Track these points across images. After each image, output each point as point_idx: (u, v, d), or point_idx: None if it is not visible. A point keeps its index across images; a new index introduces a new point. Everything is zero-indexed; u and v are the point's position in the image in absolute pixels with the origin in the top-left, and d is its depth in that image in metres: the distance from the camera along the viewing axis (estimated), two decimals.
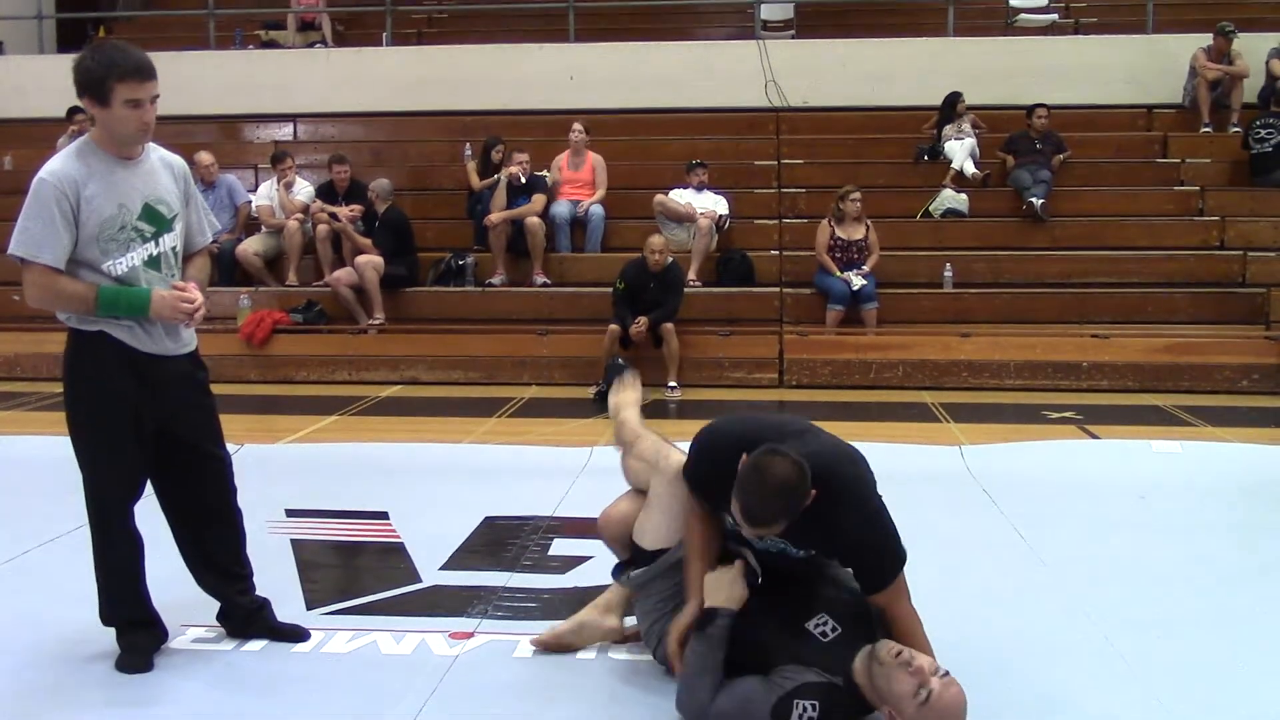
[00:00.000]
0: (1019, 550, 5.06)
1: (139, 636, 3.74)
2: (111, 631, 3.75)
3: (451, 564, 4.86)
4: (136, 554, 3.73)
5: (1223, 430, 7.45)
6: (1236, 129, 11.63)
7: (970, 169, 11.30)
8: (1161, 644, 3.92)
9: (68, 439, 3.64)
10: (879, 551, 3.30)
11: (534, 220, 10.28)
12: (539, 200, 10.40)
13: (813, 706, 3.05)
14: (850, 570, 3.39)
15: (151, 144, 3.68)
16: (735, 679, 3.21)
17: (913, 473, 6.34)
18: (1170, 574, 4.75)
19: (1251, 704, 3.47)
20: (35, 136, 12.26)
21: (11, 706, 3.41)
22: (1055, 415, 8.09)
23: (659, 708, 3.38)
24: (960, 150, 11.34)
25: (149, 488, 3.76)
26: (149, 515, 3.79)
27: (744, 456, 3.18)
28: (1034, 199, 10.66)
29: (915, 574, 3.95)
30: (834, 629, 3.24)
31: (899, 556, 3.32)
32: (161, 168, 3.68)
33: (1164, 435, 7.19)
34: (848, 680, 3.12)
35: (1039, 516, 5.54)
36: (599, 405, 8.61)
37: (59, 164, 3.51)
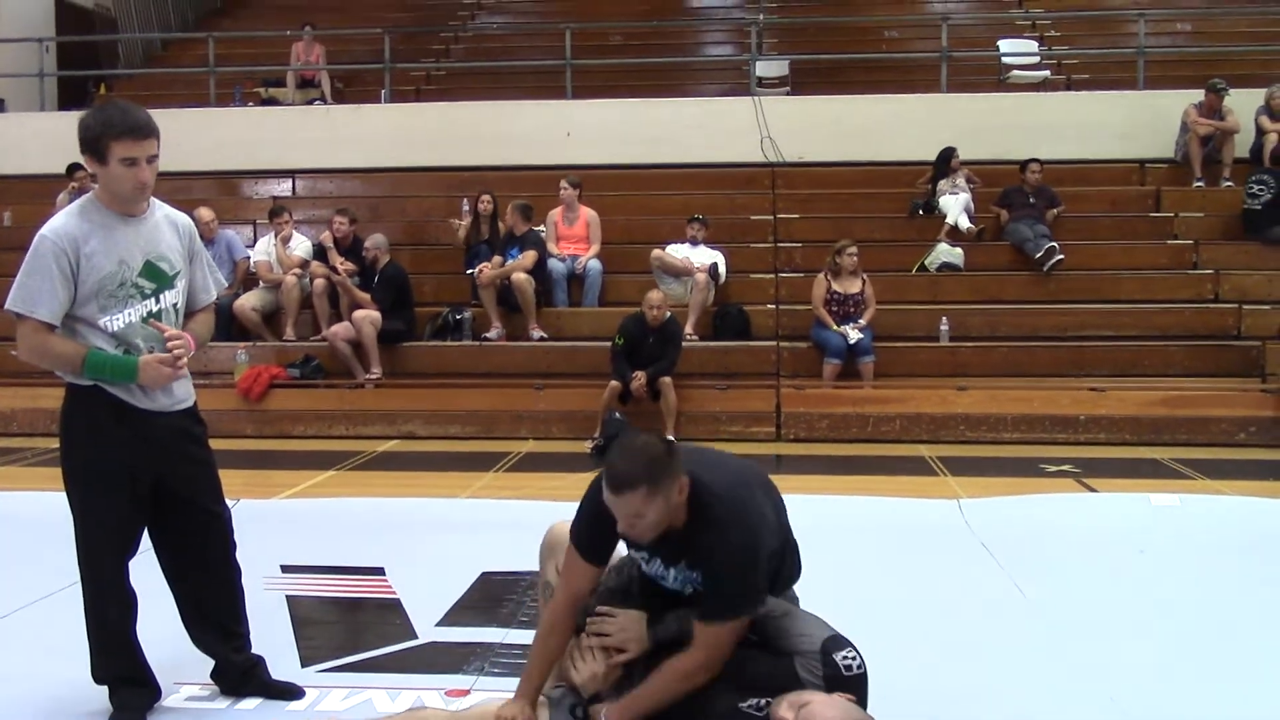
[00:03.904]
0: (1018, 605, 5.03)
1: (132, 694, 3.71)
2: (104, 690, 3.71)
3: (448, 620, 4.82)
4: (130, 611, 3.71)
5: (1221, 483, 7.43)
6: (1229, 183, 11.72)
7: (965, 223, 11.37)
8: (1165, 699, 3.88)
9: (63, 494, 3.63)
10: (733, 579, 3.17)
11: (520, 277, 10.29)
12: (529, 256, 10.43)
13: None
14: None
15: (157, 201, 3.70)
16: None
17: (910, 527, 6.34)
18: (1171, 627, 4.72)
19: None
20: (35, 193, 12.35)
21: None
22: (1053, 469, 8.07)
23: None
24: (955, 205, 11.40)
25: (145, 542, 3.75)
26: (143, 571, 3.77)
27: None
28: (1048, 250, 10.71)
29: (913, 626, 3.94)
30: (767, 702, 3.15)
31: (746, 601, 3.19)
32: (166, 225, 3.70)
33: (1162, 489, 7.17)
34: None
35: (1037, 570, 5.51)
36: (597, 459, 8.61)
37: (60, 221, 3.53)
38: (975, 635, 4.57)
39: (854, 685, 3.14)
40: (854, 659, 3.16)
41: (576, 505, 3.36)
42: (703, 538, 3.15)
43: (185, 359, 3.61)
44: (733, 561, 3.14)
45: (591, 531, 3.30)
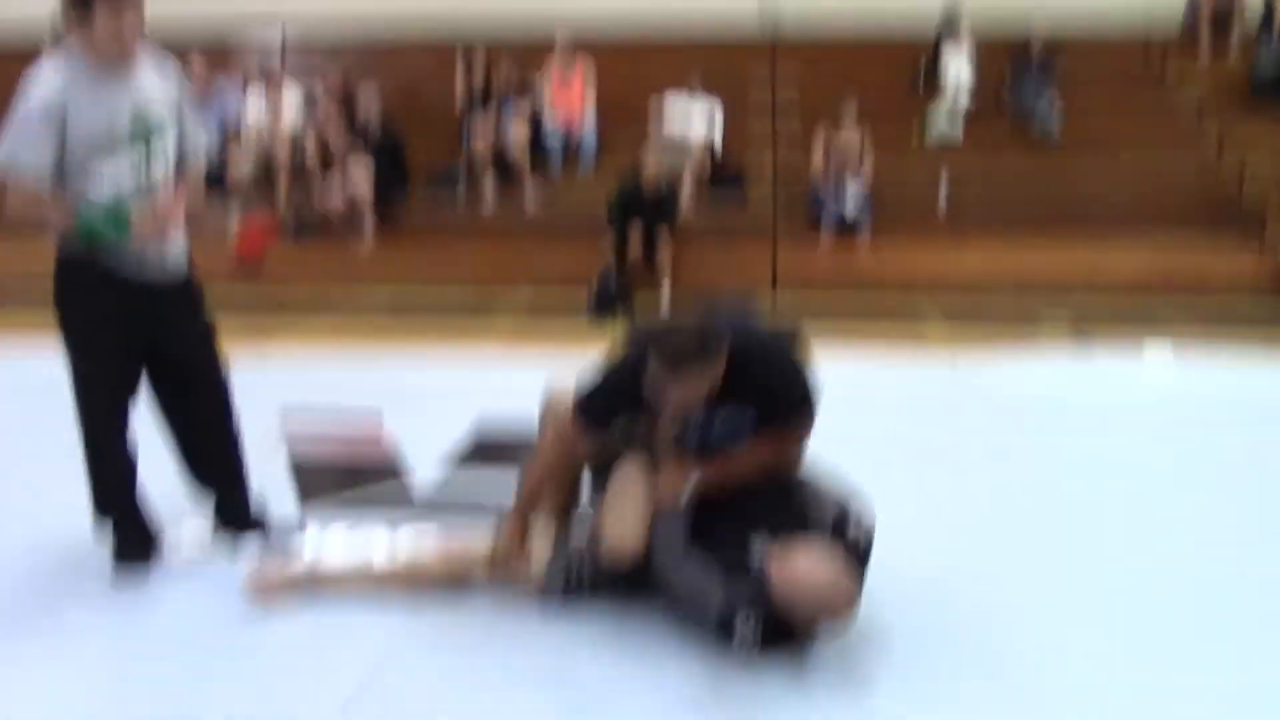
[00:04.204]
0: (1009, 463, 5.08)
1: (133, 535, 3.75)
2: (107, 533, 3.76)
3: (445, 474, 4.86)
4: (130, 469, 3.74)
5: (1216, 348, 7.45)
6: (1236, 53, 11.54)
7: (967, 90, 11.20)
8: (1159, 554, 3.94)
9: (59, 353, 3.62)
10: (789, 389, 3.29)
11: (517, 138, 10.16)
12: (524, 117, 10.29)
13: (755, 618, 3.08)
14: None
15: (143, 53, 3.60)
16: (694, 563, 3.23)
17: (905, 388, 6.39)
18: (1160, 488, 4.77)
19: (1245, 614, 3.50)
20: (19, 52, 12.07)
21: (7, 604, 3.43)
22: (1049, 333, 8.08)
23: None
24: (957, 71, 11.22)
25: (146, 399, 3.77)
26: (144, 413, 3.79)
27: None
28: (1046, 121, 10.55)
29: (903, 486, 3.99)
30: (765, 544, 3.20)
31: (809, 408, 3.31)
32: (153, 76, 3.61)
33: (1157, 353, 7.20)
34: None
35: (1029, 431, 5.56)
36: (592, 317, 8.63)
37: (45, 74, 3.44)
38: (967, 494, 4.61)
39: (861, 544, 3.19)
40: (866, 518, 3.22)
41: (580, 370, 3.38)
42: (748, 371, 3.19)
43: (178, 209, 3.57)
44: (785, 372, 3.27)
45: (607, 405, 3.35)
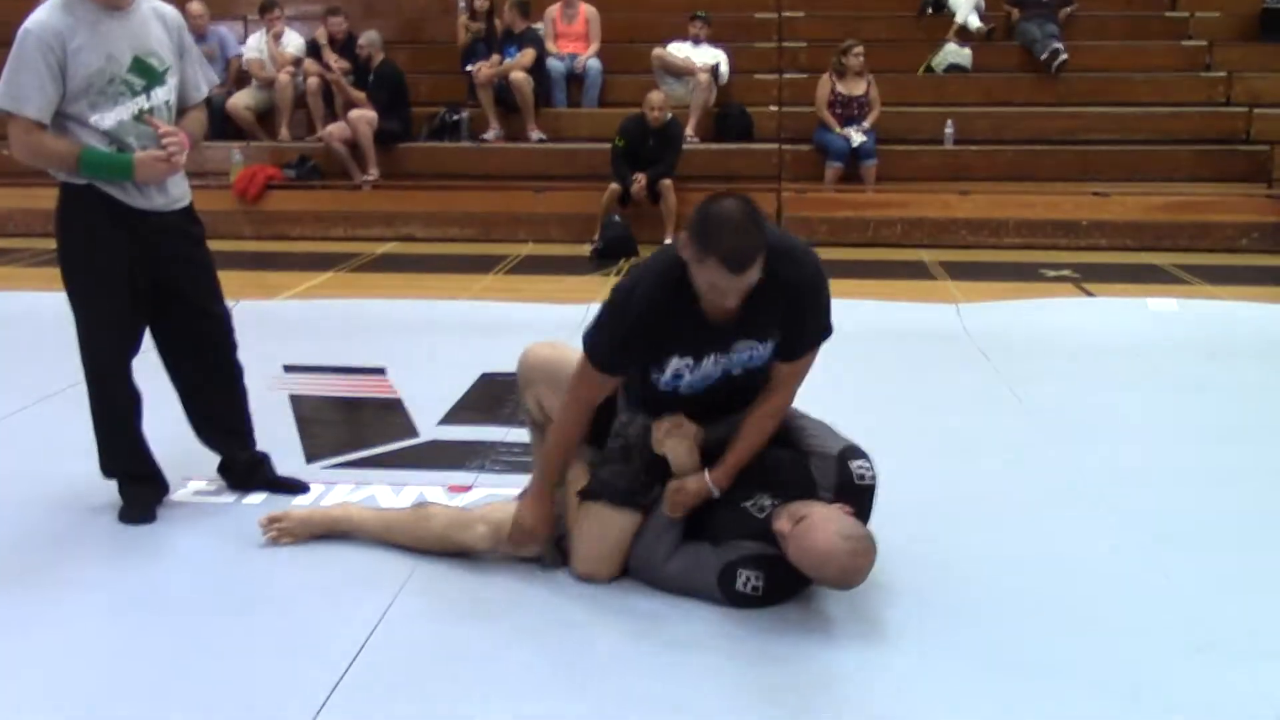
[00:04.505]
0: (1011, 407, 5.09)
1: (140, 489, 3.78)
2: (113, 484, 3.79)
3: (449, 419, 4.89)
4: (134, 408, 3.75)
5: (1220, 289, 7.43)
6: None
7: (975, 22, 11.09)
8: (1157, 501, 3.95)
9: (63, 294, 3.62)
10: (816, 313, 3.16)
11: (519, 76, 10.07)
12: (527, 54, 10.18)
13: (756, 576, 3.07)
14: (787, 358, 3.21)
15: None
16: (687, 544, 3.22)
17: (908, 330, 6.38)
18: (1162, 430, 4.79)
19: (1239, 554, 3.51)
20: None
21: (13, 558, 3.45)
22: (1053, 274, 8.07)
23: None
24: (965, 3, 11.09)
25: (150, 343, 3.77)
26: (150, 370, 3.80)
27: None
28: (1052, 51, 10.45)
29: (908, 431, 3.97)
30: (772, 503, 3.17)
31: (827, 328, 3.21)
32: (153, 19, 3.58)
33: (1161, 294, 7.18)
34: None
35: (1033, 374, 5.58)
36: (596, 262, 8.60)
37: (44, 15, 3.41)
38: (970, 440, 4.63)
39: (863, 495, 3.18)
40: (868, 469, 3.20)
41: (584, 316, 3.25)
42: (779, 275, 3.02)
43: (181, 155, 3.55)
44: (814, 285, 3.13)
45: (624, 351, 3.13)
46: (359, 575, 3.33)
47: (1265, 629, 3.03)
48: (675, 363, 3.16)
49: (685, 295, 3.03)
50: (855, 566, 3.01)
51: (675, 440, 3.21)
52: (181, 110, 3.70)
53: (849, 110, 9.80)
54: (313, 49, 10.42)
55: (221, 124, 10.24)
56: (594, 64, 10.59)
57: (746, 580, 3.08)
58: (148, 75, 3.52)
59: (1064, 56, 10.47)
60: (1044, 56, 10.53)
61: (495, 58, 10.22)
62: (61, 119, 3.44)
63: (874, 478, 3.20)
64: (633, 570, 3.28)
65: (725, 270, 2.88)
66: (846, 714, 2.65)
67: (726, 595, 3.11)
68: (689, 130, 9.93)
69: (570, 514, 3.33)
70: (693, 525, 3.24)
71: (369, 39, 10.07)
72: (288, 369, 5.61)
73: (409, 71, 10.48)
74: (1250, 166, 9.83)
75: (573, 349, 3.34)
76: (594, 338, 3.15)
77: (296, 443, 4.54)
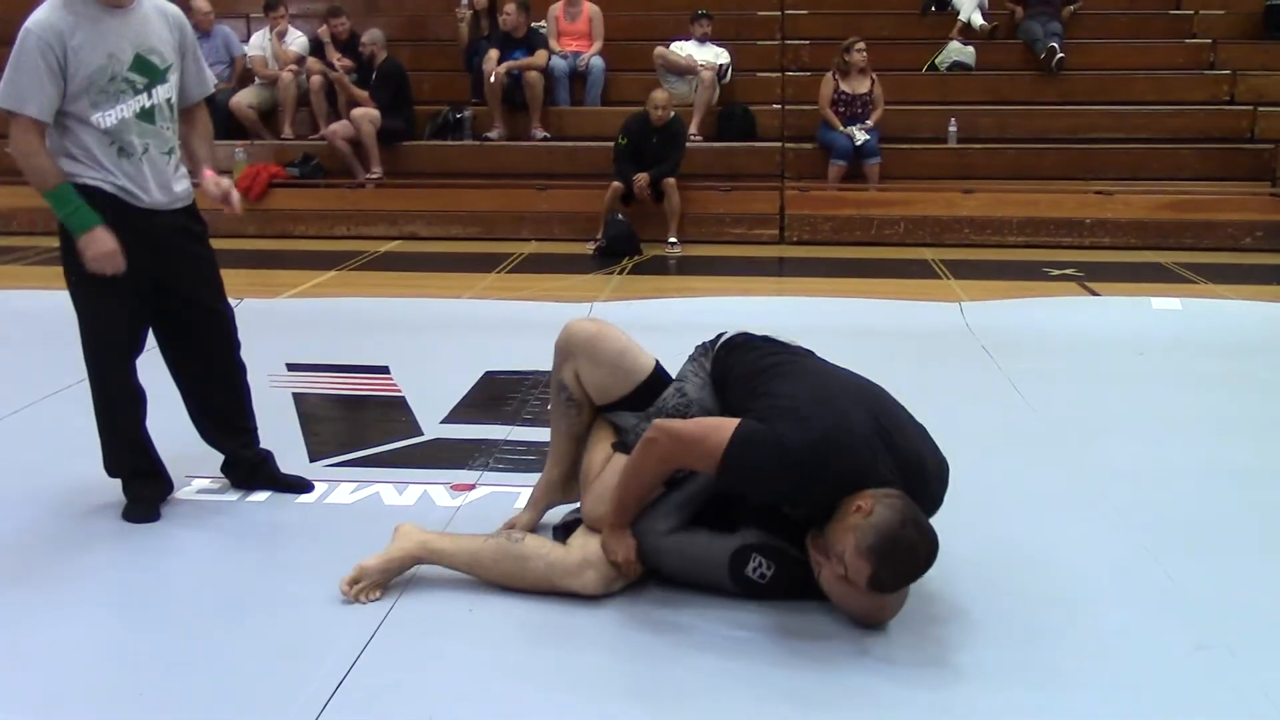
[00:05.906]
0: (1015, 405, 5.09)
1: (144, 487, 3.78)
2: (117, 483, 3.79)
3: (452, 418, 4.90)
4: (138, 407, 3.75)
5: (1223, 287, 7.43)
6: None
7: (978, 20, 11.08)
8: (1155, 495, 3.96)
9: (66, 293, 3.63)
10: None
11: (534, 74, 10.10)
12: (541, 55, 10.20)
13: (768, 565, 3.06)
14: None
15: None
16: (698, 527, 3.18)
17: (912, 329, 6.38)
18: (1165, 428, 4.79)
19: (1243, 554, 3.51)
20: None
21: (17, 557, 3.45)
22: (1056, 272, 8.07)
23: None
24: (968, 1, 11.08)
25: (153, 342, 3.77)
26: (154, 368, 3.80)
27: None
28: (1054, 45, 10.44)
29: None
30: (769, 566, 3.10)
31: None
32: (155, 16, 3.58)
33: (1164, 292, 7.18)
34: (802, 552, 3.04)
35: (1037, 372, 5.57)
36: (599, 260, 8.60)
37: (45, 14, 3.42)
38: (973, 438, 4.61)
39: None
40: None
41: (587, 314, 3.26)
42: None
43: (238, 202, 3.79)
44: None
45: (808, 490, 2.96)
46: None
47: (1266, 629, 3.02)
48: None
49: None
50: (880, 619, 2.99)
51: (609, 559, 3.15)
52: (184, 110, 3.70)
53: (852, 109, 9.80)
54: (316, 47, 10.42)
55: (225, 122, 10.24)
56: (597, 62, 10.59)
57: (758, 566, 3.06)
58: (149, 73, 3.52)
59: (1061, 55, 10.47)
60: (1042, 55, 10.53)
61: (495, 53, 10.19)
62: (63, 118, 3.44)
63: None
64: (634, 530, 3.16)
65: (871, 587, 2.87)
66: (844, 712, 2.65)
67: (733, 576, 3.07)
68: (692, 129, 9.94)
69: (591, 472, 3.33)
70: (716, 516, 3.21)
71: (372, 37, 10.08)
72: (291, 367, 5.62)
73: (412, 70, 10.49)
74: (1254, 165, 9.82)
75: (615, 328, 3.43)
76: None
77: (300, 441, 4.54)
